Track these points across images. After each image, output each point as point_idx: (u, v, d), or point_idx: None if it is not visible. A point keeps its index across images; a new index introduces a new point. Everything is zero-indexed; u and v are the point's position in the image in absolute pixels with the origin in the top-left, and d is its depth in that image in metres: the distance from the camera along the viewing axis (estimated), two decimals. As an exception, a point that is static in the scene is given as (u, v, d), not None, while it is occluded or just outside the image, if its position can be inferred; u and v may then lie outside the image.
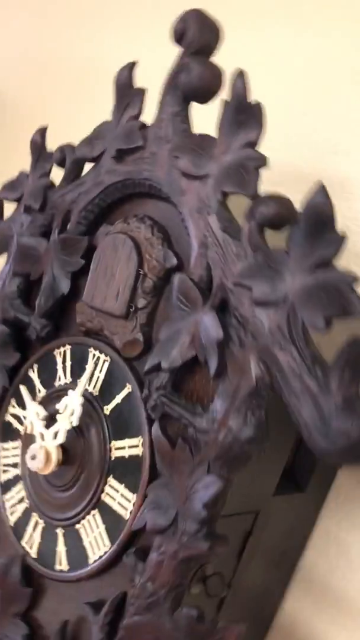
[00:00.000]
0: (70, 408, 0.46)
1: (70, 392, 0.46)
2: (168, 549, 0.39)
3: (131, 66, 0.48)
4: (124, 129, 0.47)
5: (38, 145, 0.55)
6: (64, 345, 0.50)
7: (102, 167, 0.49)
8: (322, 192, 0.35)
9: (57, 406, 0.47)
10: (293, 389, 0.35)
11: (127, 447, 0.44)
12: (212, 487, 0.37)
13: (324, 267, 0.35)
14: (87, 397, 0.47)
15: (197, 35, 0.43)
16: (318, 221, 0.35)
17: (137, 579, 0.41)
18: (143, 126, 0.47)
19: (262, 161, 0.39)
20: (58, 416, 0.47)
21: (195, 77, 0.43)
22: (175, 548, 0.39)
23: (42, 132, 0.55)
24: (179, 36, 0.44)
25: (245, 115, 0.40)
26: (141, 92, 0.48)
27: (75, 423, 0.45)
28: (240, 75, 0.41)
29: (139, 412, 0.43)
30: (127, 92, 0.48)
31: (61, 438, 0.46)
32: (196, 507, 0.37)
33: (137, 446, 0.43)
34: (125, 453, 0.44)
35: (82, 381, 0.46)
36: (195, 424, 0.39)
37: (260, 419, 0.37)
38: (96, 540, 0.45)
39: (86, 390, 0.47)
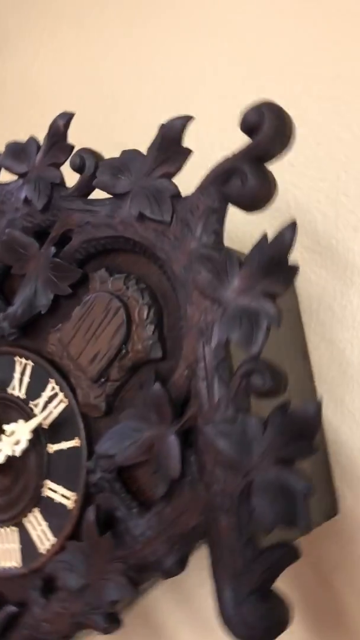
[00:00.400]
0: (17, 437, 0.47)
1: (20, 421, 0.48)
2: (70, 607, 0.44)
3: (185, 121, 0.42)
4: (155, 185, 0.43)
5: (58, 132, 0.48)
6: (27, 358, 0.50)
7: (120, 210, 0.45)
8: (316, 407, 0.36)
9: (5, 426, 0.48)
10: (221, 555, 0.38)
11: (59, 493, 0.47)
12: (124, 591, 0.42)
13: (289, 466, 0.37)
14: (36, 426, 0.48)
15: (269, 141, 0.39)
16: (301, 430, 0.36)
17: (36, 611, 0.46)
18: (175, 195, 0.43)
19: (276, 321, 0.38)
20: (3, 437, 0.48)
21: (248, 191, 0.39)
22: (76, 610, 0.44)
23: (67, 119, 0.48)
24: (249, 129, 0.40)
25: (279, 269, 0.38)
26: (186, 153, 0.43)
27: (17, 454, 0.47)
28: (292, 227, 0.38)
29: (80, 470, 0.46)
30: (172, 146, 0.43)
31: (0, 459, 0.48)
32: (104, 598, 0.42)
33: (69, 499, 0.46)
34: (57, 497, 0.47)
35: (36, 419, 0.47)
36: (127, 525, 0.42)
37: (184, 556, 0.40)
38: (9, 553, 0.49)
39: (36, 421, 0.48)
